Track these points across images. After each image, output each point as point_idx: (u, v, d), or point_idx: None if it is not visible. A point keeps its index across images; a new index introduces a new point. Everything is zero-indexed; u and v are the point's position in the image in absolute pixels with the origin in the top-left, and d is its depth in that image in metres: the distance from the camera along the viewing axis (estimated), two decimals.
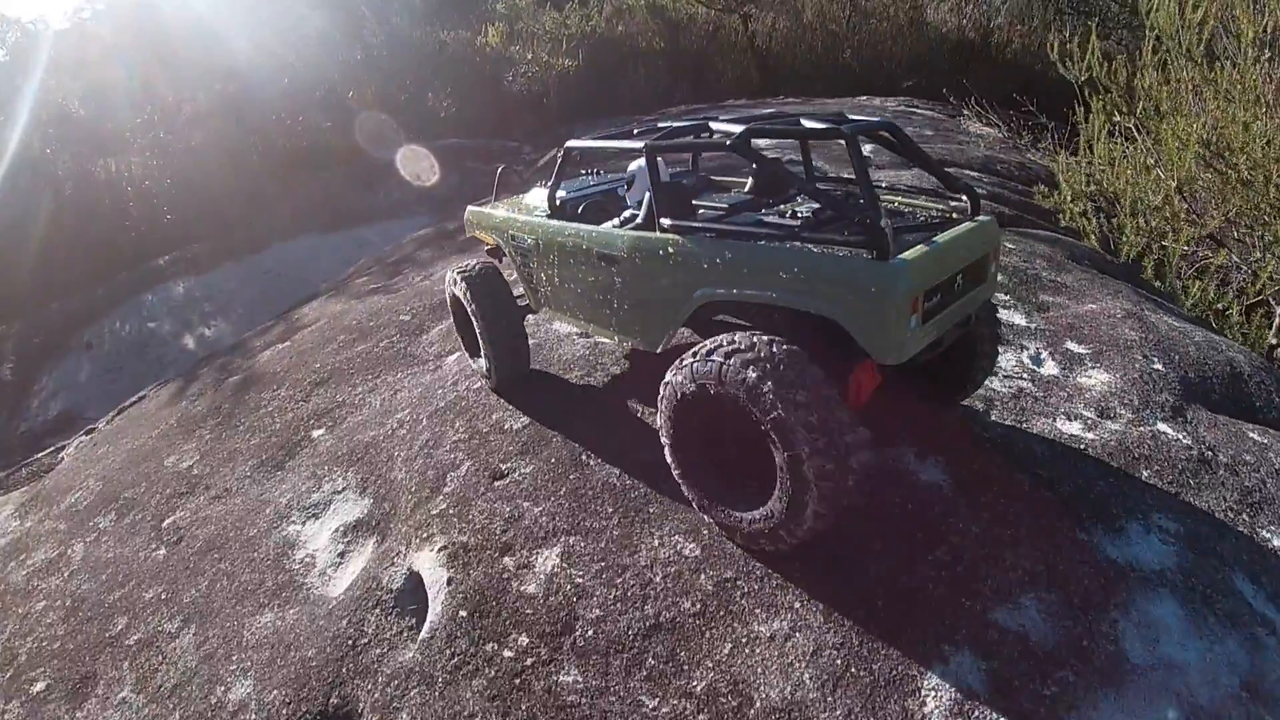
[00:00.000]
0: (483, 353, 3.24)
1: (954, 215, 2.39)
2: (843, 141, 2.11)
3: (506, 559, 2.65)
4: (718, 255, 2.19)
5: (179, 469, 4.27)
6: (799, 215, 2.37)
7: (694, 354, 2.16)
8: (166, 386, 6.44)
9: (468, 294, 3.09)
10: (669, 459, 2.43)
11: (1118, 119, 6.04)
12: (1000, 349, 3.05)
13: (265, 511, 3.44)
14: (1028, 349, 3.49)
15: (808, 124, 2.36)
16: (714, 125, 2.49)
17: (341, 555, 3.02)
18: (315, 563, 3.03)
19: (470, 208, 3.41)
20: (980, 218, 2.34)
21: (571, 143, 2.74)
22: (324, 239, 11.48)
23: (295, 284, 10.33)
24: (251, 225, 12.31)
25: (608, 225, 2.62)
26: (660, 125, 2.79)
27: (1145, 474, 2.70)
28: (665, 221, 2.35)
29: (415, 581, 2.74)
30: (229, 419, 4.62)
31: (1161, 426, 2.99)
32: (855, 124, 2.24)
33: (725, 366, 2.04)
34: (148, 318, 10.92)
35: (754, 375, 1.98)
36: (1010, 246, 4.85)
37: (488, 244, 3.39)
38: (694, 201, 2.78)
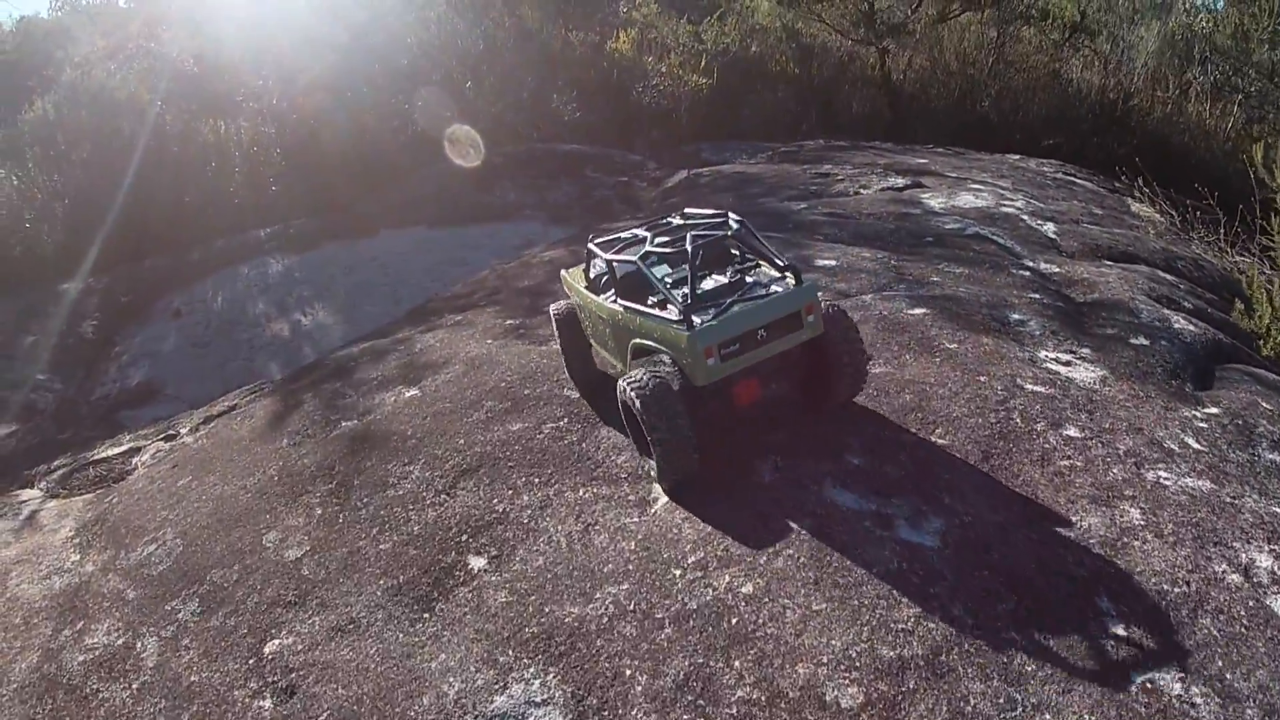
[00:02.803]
0: (566, 365, 4.24)
1: (785, 285, 3.16)
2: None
3: None
4: (634, 320, 3.22)
5: (283, 558, 3.38)
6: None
7: (624, 378, 3.06)
8: (262, 402, 5.64)
9: (555, 327, 4.13)
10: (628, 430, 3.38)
11: None
12: None
13: (422, 698, 2.44)
14: None
15: (692, 234, 3.26)
16: (650, 239, 3.43)
17: None
18: None
19: (563, 271, 4.30)
20: (799, 287, 3.07)
21: (590, 245, 3.67)
22: (432, 233, 10.77)
23: (401, 278, 9.56)
24: (357, 208, 11.68)
25: (602, 297, 3.65)
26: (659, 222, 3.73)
27: None
28: (619, 300, 3.38)
29: None
30: (345, 491, 3.72)
31: None
32: (700, 235, 3.24)
33: (627, 388, 2.99)
34: (242, 293, 10.30)
35: (635, 393, 2.94)
36: (1267, 406, 3.79)
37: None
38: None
